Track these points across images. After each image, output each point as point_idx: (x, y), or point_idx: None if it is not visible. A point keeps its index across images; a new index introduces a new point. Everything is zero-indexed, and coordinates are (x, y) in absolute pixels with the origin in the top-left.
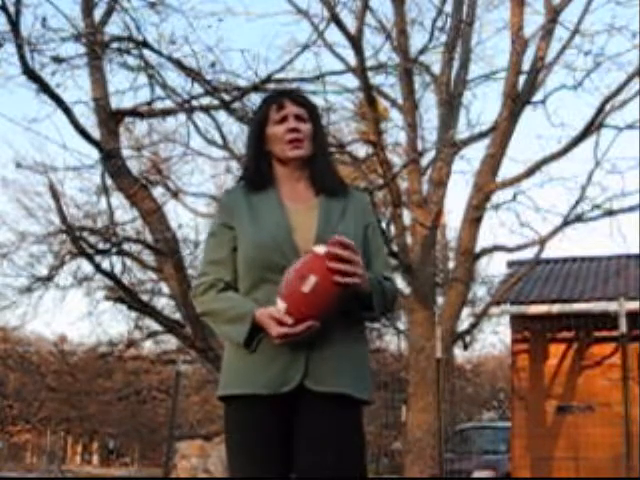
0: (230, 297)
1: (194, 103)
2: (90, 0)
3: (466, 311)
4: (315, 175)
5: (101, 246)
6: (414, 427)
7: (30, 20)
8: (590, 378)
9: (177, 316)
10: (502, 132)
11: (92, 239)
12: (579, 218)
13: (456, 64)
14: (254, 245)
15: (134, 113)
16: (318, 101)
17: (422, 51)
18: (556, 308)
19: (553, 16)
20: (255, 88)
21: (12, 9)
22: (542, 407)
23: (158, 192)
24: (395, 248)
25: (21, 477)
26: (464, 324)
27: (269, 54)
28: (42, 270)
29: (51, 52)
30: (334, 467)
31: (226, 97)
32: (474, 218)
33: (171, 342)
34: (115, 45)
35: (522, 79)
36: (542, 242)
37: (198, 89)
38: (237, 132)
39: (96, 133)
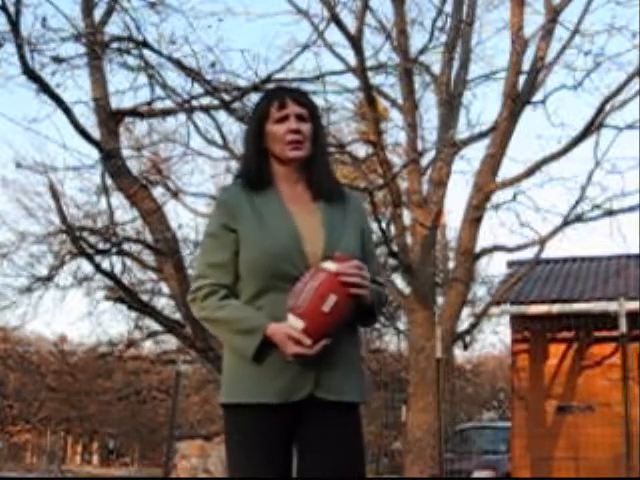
0: (237, 307)
1: (194, 103)
2: (90, 0)
3: (466, 311)
4: (313, 177)
5: (101, 246)
6: (414, 427)
7: (30, 20)
8: (590, 378)
9: (177, 316)
10: (502, 132)
11: (92, 239)
12: (579, 218)
13: (456, 64)
14: (263, 252)
15: (134, 113)
16: (318, 101)
17: (422, 51)
18: (556, 308)
19: (553, 16)
20: (255, 88)
21: (12, 9)
22: (542, 407)
23: (158, 192)
24: (395, 248)
25: (21, 477)
26: (464, 324)
27: (269, 54)
28: (42, 270)
29: (51, 52)
30: (341, 469)
31: (226, 97)
32: (474, 218)
33: (171, 342)
34: (115, 45)
35: (522, 79)
36: (542, 242)
37: (198, 89)
38: (237, 132)
39: (96, 133)
